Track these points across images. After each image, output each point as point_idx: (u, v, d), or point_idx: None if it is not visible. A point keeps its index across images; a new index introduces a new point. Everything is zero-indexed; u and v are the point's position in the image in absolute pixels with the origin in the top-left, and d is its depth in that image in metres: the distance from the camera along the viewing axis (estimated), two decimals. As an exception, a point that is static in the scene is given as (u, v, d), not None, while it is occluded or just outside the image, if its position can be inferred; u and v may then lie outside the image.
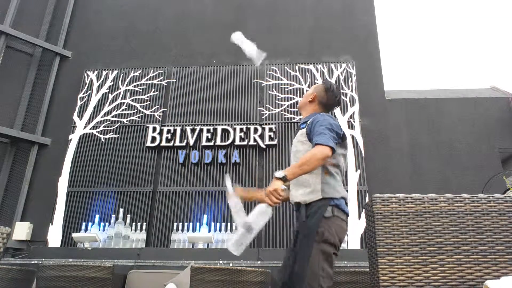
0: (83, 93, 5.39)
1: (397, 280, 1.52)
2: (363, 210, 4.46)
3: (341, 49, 5.43)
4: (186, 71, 5.43)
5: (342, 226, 1.81)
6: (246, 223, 1.81)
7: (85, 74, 5.51)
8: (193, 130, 5.02)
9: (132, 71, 5.46)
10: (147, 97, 5.29)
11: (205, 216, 4.52)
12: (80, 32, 5.95)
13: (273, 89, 5.19)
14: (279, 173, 1.85)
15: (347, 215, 1.88)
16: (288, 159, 4.78)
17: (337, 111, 5.01)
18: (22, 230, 4.69)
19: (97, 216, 4.59)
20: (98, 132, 5.15)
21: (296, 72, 5.26)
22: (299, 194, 1.97)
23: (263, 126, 4.96)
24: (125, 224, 4.35)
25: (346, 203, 1.92)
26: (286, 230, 4.51)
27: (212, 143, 4.92)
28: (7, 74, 5.36)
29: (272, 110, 5.05)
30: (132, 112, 5.23)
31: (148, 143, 5.00)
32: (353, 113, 4.99)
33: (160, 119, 5.15)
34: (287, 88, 5.18)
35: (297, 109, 5.01)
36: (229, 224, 4.43)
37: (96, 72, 5.51)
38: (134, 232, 4.42)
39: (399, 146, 5.03)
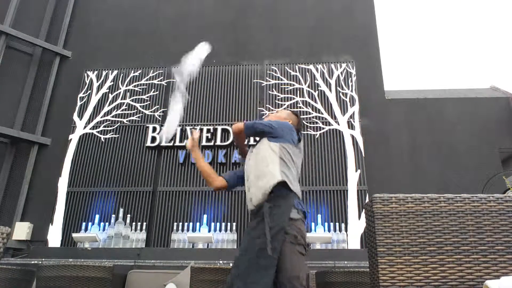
0: (83, 93, 5.39)
1: (397, 280, 1.52)
2: (363, 210, 4.46)
3: (341, 49, 5.43)
4: (186, 71, 5.42)
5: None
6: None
7: (85, 74, 5.51)
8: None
9: (132, 71, 5.46)
10: (147, 97, 5.29)
11: (205, 216, 4.52)
12: (80, 32, 5.95)
13: (273, 89, 5.19)
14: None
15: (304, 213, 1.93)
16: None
17: (337, 111, 5.01)
18: (22, 230, 4.69)
19: (97, 216, 4.59)
20: (98, 132, 5.15)
21: (296, 72, 5.26)
22: (261, 184, 1.92)
23: (263, 126, 4.95)
24: (125, 224, 4.35)
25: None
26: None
27: (212, 143, 4.92)
28: (7, 74, 5.36)
29: (272, 110, 5.04)
30: (132, 112, 5.23)
31: (148, 143, 5.00)
32: (353, 113, 4.99)
33: (160, 119, 5.15)
34: (287, 88, 5.18)
35: (298, 109, 5.01)
36: (229, 224, 4.43)
37: (96, 72, 5.51)
38: (134, 232, 4.42)
39: (399, 146, 5.03)
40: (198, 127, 5.01)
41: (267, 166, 1.94)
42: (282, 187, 1.88)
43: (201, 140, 4.98)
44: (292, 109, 2.44)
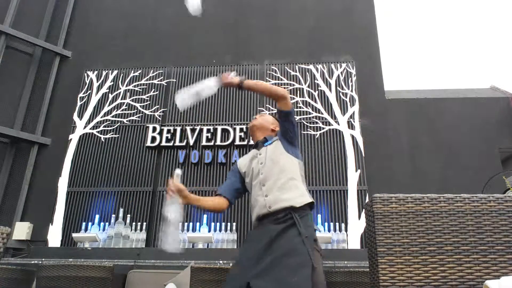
0: (83, 93, 5.39)
1: (397, 280, 1.52)
2: (363, 210, 4.46)
3: (341, 49, 5.43)
4: (186, 71, 5.43)
5: None
6: (171, 220, 1.89)
7: (85, 74, 5.51)
8: (193, 130, 5.02)
9: (132, 71, 5.47)
10: (147, 97, 5.29)
11: (205, 216, 4.52)
12: (80, 32, 5.95)
13: (273, 89, 5.18)
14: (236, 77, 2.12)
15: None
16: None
17: (337, 111, 5.01)
18: (22, 230, 4.69)
19: (97, 216, 4.59)
20: (98, 132, 5.15)
21: (296, 72, 5.26)
22: (293, 194, 1.91)
23: (263, 126, 4.95)
24: (125, 224, 4.35)
25: None
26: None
27: (212, 143, 4.92)
28: (7, 74, 5.36)
29: (272, 110, 5.04)
30: (132, 112, 5.23)
31: (148, 143, 5.00)
32: (353, 113, 4.99)
33: (160, 119, 5.15)
34: (287, 88, 5.18)
35: (298, 109, 5.01)
36: (229, 224, 4.43)
37: (96, 72, 5.51)
38: (134, 232, 4.42)
39: (399, 146, 5.03)
40: (198, 127, 5.01)
41: (292, 180, 1.95)
42: (306, 205, 1.93)
43: (201, 140, 4.98)
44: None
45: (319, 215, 4.45)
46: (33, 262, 3.43)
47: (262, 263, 1.72)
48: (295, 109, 5.04)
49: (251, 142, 4.86)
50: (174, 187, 1.99)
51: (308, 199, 1.92)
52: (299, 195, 1.91)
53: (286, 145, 2.09)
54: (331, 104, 5.06)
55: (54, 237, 4.64)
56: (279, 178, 1.96)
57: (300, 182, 1.99)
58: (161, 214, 1.92)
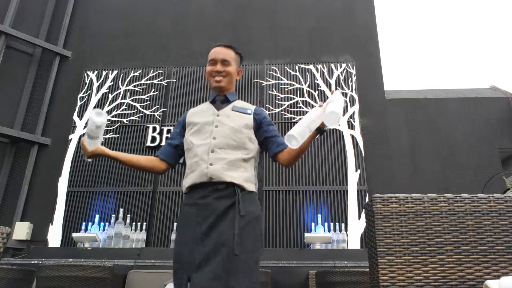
0: (83, 93, 5.39)
1: (397, 280, 1.52)
2: (363, 210, 4.46)
3: (341, 49, 5.43)
4: (186, 71, 5.43)
5: None
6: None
7: (85, 74, 5.51)
8: (193, 130, 5.01)
9: (132, 71, 5.47)
10: (147, 97, 5.29)
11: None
12: (80, 32, 5.95)
13: (273, 89, 5.19)
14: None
15: None
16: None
17: (337, 111, 5.01)
18: (22, 230, 4.69)
19: (97, 216, 4.59)
20: (98, 132, 5.14)
21: (296, 72, 5.27)
22: (238, 175, 1.71)
23: (263, 126, 4.95)
24: (125, 224, 4.35)
25: None
26: (286, 230, 4.51)
27: (212, 143, 4.92)
28: (7, 74, 5.36)
29: (272, 110, 5.05)
30: (132, 112, 5.23)
31: (148, 143, 5.00)
32: (353, 113, 4.99)
33: (160, 119, 5.15)
34: (287, 88, 5.18)
35: (298, 109, 5.01)
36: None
37: (96, 72, 5.51)
38: (134, 232, 4.42)
39: (399, 146, 5.03)
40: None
41: (245, 162, 1.76)
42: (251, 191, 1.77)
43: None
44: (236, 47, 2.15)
45: (319, 215, 4.46)
46: (33, 262, 3.43)
47: (202, 251, 1.55)
48: (295, 109, 5.04)
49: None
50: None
51: (254, 188, 1.75)
52: (246, 180, 1.73)
53: (262, 129, 1.88)
54: (331, 104, 5.05)
55: (54, 237, 4.64)
56: (232, 153, 1.74)
57: (252, 169, 1.80)
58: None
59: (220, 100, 1.94)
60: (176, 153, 1.95)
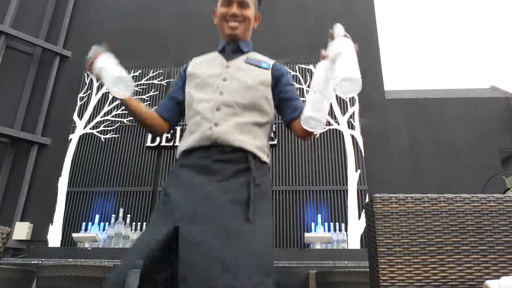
0: (83, 93, 5.39)
1: (397, 280, 1.52)
2: (363, 210, 4.46)
3: (341, 49, 5.42)
4: (186, 71, 5.43)
5: None
6: None
7: (85, 74, 5.50)
8: (193, 130, 5.02)
9: (132, 71, 5.46)
10: (147, 97, 5.29)
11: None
12: (80, 32, 5.95)
13: (273, 89, 5.18)
14: None
15: None
16: (289, 158, 4.79)
17: (336, 111, 5.01)
18: (22, 230, 4.69)
19: (97, 216, 4.59)
20: (98, 132, 5.15)
21: (296, 72, 5.26)
22: (249, 141, 1.37)
23: (263, 126, 4.95)
24: (125, 224, 4.35)
25: None
26: (286, 230, 4.50)
27: (212, 143, 4.92)
28: (7, 74, 5.36)
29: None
30: (132, 112, 5.22)
31: (148, 143, 5.00)
32: (353, 113, 4.99)
33: (160, 119, 5.15)
34: (287, 88, 5.17)
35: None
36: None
37: (96, 72, 5.50)
38: (134, 232, 4.42)
39: (399, 146, 5.03)
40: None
41: (257, 126, 1.43)
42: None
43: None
44: None
45: (319, 215, 4.45)
46: (33, 262, 3.43)
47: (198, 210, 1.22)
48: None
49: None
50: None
51: (267, 159, 1.43)
52: (259, 148, 1.39)
53: (278, 88, 1.57)
54: (331, 104, 5.05)
55: (54, 237, 4.64)
56: (243, 115, 1.41)
57: (265, 138, 1.47)
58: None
59: (232, 49, 1.60)
60: (179, 110, 1.59)
